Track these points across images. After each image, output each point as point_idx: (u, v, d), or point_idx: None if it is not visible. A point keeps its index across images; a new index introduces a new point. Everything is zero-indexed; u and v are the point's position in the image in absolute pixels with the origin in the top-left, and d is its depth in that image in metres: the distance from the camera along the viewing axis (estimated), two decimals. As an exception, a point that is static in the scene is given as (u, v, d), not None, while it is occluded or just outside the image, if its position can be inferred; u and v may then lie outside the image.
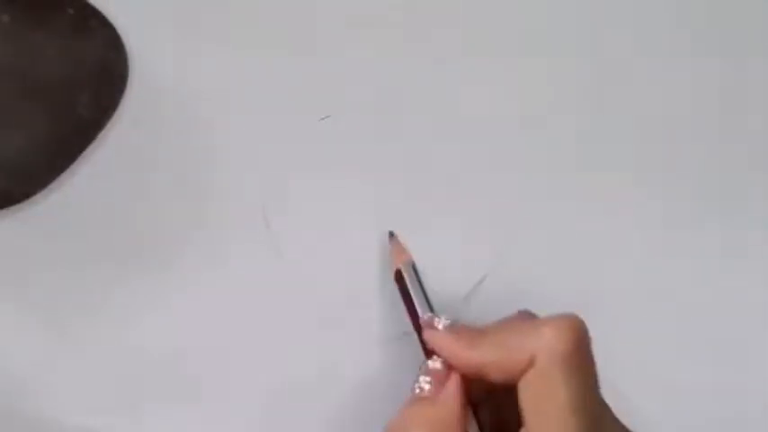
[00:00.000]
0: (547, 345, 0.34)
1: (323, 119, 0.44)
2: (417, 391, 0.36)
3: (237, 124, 0.44)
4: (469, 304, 0.44)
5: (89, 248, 0.43)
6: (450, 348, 0.36)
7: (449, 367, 0.36)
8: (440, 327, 0.37)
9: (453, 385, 0.36)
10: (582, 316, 0.43)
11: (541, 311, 0.43)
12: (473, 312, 0.44)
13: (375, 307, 0.44)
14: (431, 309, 0.38)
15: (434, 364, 0.37)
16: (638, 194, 0.45)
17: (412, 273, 0.40)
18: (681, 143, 0.46)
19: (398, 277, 0.40)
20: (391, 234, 0.42)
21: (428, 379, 0.36)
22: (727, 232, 0.45)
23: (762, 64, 0.46)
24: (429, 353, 0.37)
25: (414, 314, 0.38)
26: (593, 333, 0.43)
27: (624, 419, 0.38)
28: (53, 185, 0.43)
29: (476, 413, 0.37)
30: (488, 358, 0.35)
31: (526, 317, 0.37)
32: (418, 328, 0.38)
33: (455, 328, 0.37)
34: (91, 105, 0.42)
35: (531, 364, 0.34)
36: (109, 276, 0.43)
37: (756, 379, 0.45)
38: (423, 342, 0.38)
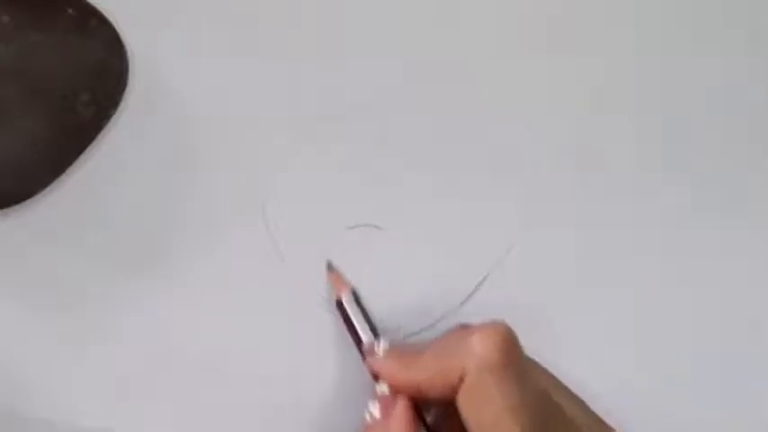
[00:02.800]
0: (474, 355, 0.34)
1: (323, 119, 0.44)
2: (368, 418, 0.37)
3: (237, 124, 0.44)
4: (468, 307, 0.44)
5: (89, 248, 0.43)
6: (387, 371, 0.37)
7: (394, 390, 0.37)
8: (379, 351, 0.38)
9: (400, 409, 0.36)
10: (580, 319, 0.43)
11: (539, 315, 0.44)
12: (471, 317, 0.44)
13: (375, 307, 0.44)
14: (375, 334, 0.39)
15: (381, 388, 0.37)
16: (639, 194, 0.45)
17: (353, 302, 0.40)
18: (681, 143, 0.46)
19: (340, 306, 0.40)
20: (329, 265, 0.43)
21: (377, 405, 0.37)
22: (728, 232, 0.45)
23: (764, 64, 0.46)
24: (375, 378, 0.37)
25: (358, 342, 0.39)
26: (589, 334, 0.43)
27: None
28: (53, 185, 0.43)
29: (429, 429, 0.37)
30: (422, 377, 0.35)
31: (458, 330, 0.37)
32: (360, 352, 0.39)
33: (393, 350, 0.38)
34: (91, 105, 0.42)
35: (462, 376, 0.34)
36: (109, 276, 0.43)
37: (758, 378, 0.45)
38: (369, 368, 0.38)
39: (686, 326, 0.44)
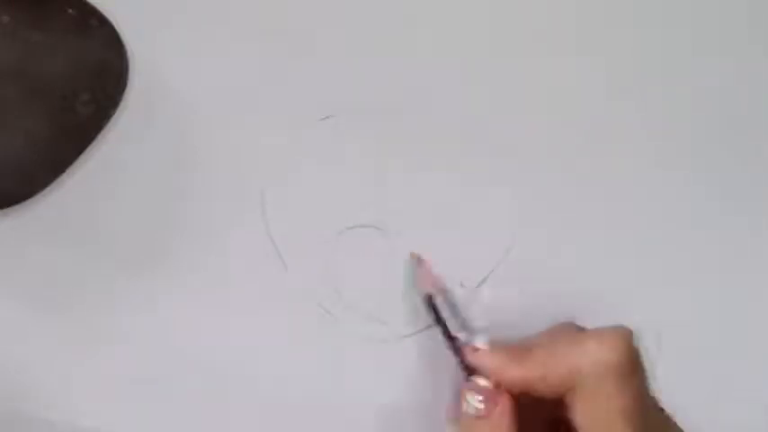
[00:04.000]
0: (592, 358, 0.34)
1: (323, 119, 0.44)
2: (471, 410, 0.36)
3: (237, 124, 0.44)
4: (473, 303, 0.44)
5: (89, 248, 0.43)
6: (497, 367, 0.37)
7: (496, 385, 0.37)
8: (481, 346, 0.38)
9: (506, 403, 0.36)
10: (587, 313, 0.43)
11: (545, 309, 0.44)
12: (477, 311, 0.44)
13: (375, 307, 0.44)
14: (467, 329, 0.39)
15: (482, 382, 0.37)
16: (640, 193, 0.45)
17: (445, 297, 0.40)
18: (681, 143, 0.46)
19: (429, 301, 0.40)
20: (419, 259, 0.42)
21: (480, 398, 0.36)
22: (728, 232, 0.45)
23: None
24: (470, 371, 0.37)
25: (449, 336, 0.38)
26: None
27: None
28: (53, 185, 0.43)
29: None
30: (535, 374, 0.36)
31: (570, 329, 0.37)
32: (455, 348, 0.38)
33: (498, 346, 0.37)
34: (91, 105, 0.42)
35: (577, 378, 0.34)
36: (109, 276, 0.43)
37: (760, 379, 0.45)
38: (462, 361, 0.38)
39: (686, 326, 0.44)
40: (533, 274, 0.44)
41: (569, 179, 0.45)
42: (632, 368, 0.35)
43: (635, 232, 0.45)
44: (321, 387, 0.43)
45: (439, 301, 0.40)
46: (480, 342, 0.37)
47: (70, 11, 0.42)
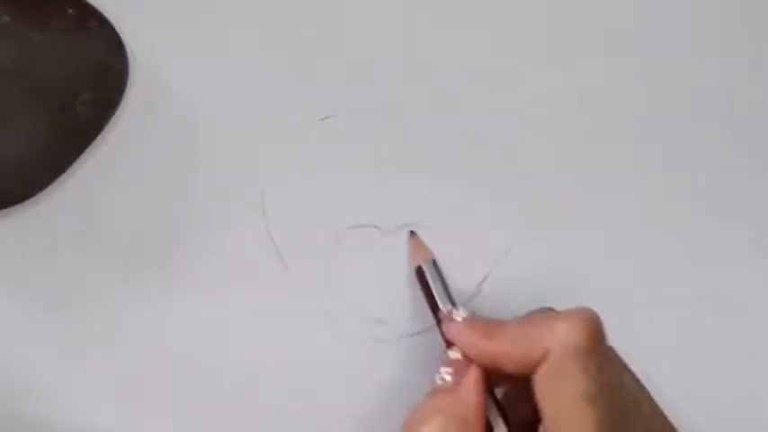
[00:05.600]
0: (560, 338, 0.34)
1: (323, 119, 0.44)
2: (439, 381, 0.37)
3: (237, 124, 0.44)
4: (473, 303, 0.44)
5: (89, 249, 0.43)
6: (467, 339, 0.37)
7: (467, 358, 0.37)
8: (458, 319, 0.38)
9: (473, 375, 0.36)
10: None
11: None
12: (477, 310, 0.44)
13: (375, 307, 0.44)
14: (452, 302, 0.39)
15: (454, 354, 0.37)
16: (640, 193, 0.45)
17: (433, 270, 0.40)
18: (682, 143, 0.46)
19: (419, 274, 0.40)
20: (412, 233, 0.43)
21: (449, 370, 0.37)
22: (728, 232, 0.45)
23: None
24: (449, 344, 0.38)
25: (435, 308, 0.39)
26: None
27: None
28: (53, 185, 0.43)
29: (498, 403, 0.37)
30: (502, 349, 0.36)
31: (544, 312, 0.38)
32: (438, 321, 0.39)
33: (473, 319, 0.38)
34: (91, 105, 0.42)
35: (544, 356, 0.34)
36: (109, 276, 0.43)
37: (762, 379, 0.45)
38: (443, 334, 0.38)
39: (686, 325, 0.44)
40: (533, 274, 0.44)
41: (570, 179, 0.45)
42: (594, 349, 0.34)
43: (635, 232, 0.45)
44: (321, 387, 0.43)
45: (429, 274, 0.40)
46: (459, 315, 0.38)
47: (70, 11, 0.43)
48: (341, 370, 0.43)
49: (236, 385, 0.43)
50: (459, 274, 0.44)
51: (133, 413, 0.43)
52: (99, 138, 0.43)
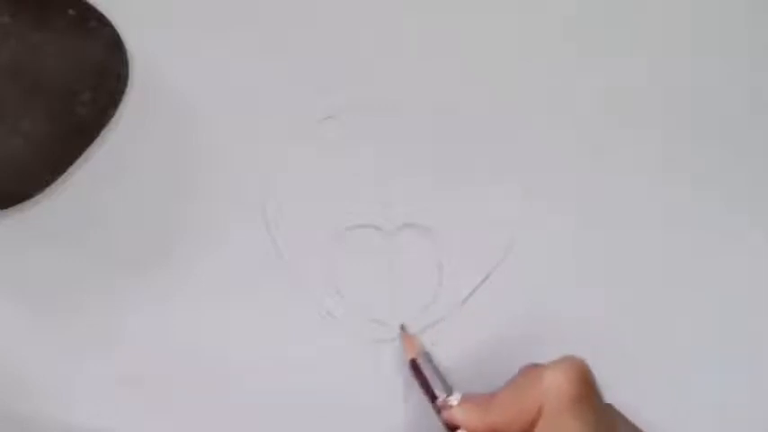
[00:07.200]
0: (550, 391, 0.36)
1: (324, 119, 0.44)
2: None
3: (237, 124, 0.44)
4: (469, 307, 0.44)
5: (89, 249, 0.43)
6: (466, 420, 0.38)
7: None
8: (455, 403, 0.39)
9: None
10: (580, 319, 0.43)
11: (539, 315, 0.44)
12: (471, 316, 0.44)
13: (375, 307, 0.44)
14: (447, 389, 0.40)
15: None
16: (640, 194, 0.45)
17: (426, 361, 0.41)
18: (682, 143, 0.46)
19: (414, 366, 0.41)
20: (403, 327, 0.43)
21: None
22: (728, 232, 0.45)
23: None
24: (451, 428, 0.39)
25: (432, 397, 0.40)
26: (589, 333, 0.43)
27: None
28: (53, 186, 0.43)
29: None
30: (500, 418, 0.37)
31: (529, 368, 0.38)
32: (435, 408, 0.40)
33: (466, 398, 0.39)
34: (91, 105, 0.42)
35: (539, 413, 0.36)
36: (109, 276, 0.43)
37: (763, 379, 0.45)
38: (444, 421, 0.39)
39: (686, 325, 0.44)
40: (533, 273, 0.44)
41: (570, 179, 0.45)
42: (586, 396, 0.36)
43: (636, 232, 0.45)
44: (321, 387, 0.43)
45: (424, 366, 0.41)
46: (455, 400, 0.39)
47: (71, 11, 0.43)
48: (341, 370, 0.43)
49: (236, 385, 0.43)
50: (459, 274, 0.44)
51: (133, 413, 0.43)
52: (99, 138, 0.43)
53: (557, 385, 0.36)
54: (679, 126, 0.45)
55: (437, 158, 0.45)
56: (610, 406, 0.39)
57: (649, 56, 0.46)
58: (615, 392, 0.39)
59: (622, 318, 0.44)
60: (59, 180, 0.43)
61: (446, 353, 0.43)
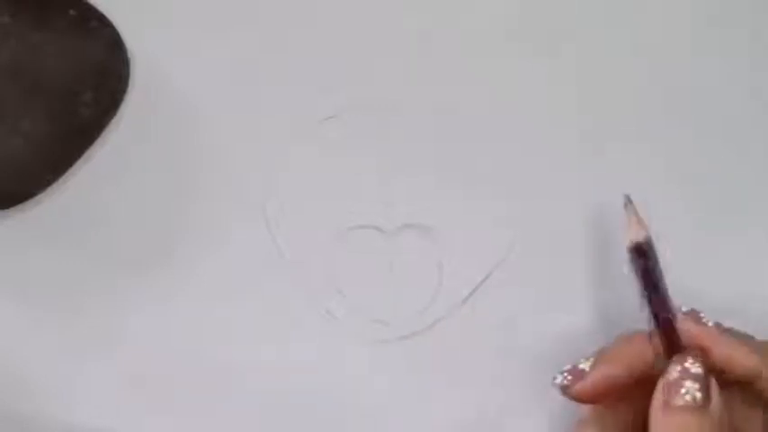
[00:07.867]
0: None
1: (325, 119, 0.45)
2: (688, 398, 0.32)
3: (238, 124, 0.44)
4: (469, 307, 0.44)
5: (90, 249, 0.43)
6: (731, 352, 0.33)
7: (707, 372, 0.33)
8: (707, 320, 0.34)
9: (717, 393, 0.33)
10: (580, 318, 0.43)
11: (543, 312, 0.44)
12: (471, 317, 0.44)
13: (375, 307, 0.44)
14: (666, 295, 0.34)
15: (696, 368, 0.33)
16: (641, 193, 0.45)
17: (653, 250, 0.34)
18: (682, 143, 0.46)
19: (639, 253, 0.34)
20: (628, 200, 0.36)
21: (697, 386, 0.32)
22: (729, 232, 0.45)
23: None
24: (676, 348, 0.33)
25: (657, 299, 0.33)
26: (589, 333, 0.44)
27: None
28: (53, 186, 0.43)
29: None
30: (747, 352, 0.33)
31: None
32: (664, 319, 0.33)
33: (722, 328, 0.34)
34: (91, 105, 0.42)
35: None
36: (109, 276, 0.43)
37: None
38: (668, 334, 0.33)
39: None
40: (534, 273, 0.44)
41: (570, 179, 0.45)
42: None
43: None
44: (322, 387, 0.43)
45: (652, 256, 0.33)
46: (703, 317, 0.33)
47: (71, 11, 0.42)
48: (341, 370, 0.43)
49: (237, 385, 0.43)
50: (459, 274, 0.44)
51: (133, 413, 0.43)
52: (100, 138, 0.43)
53: None
54: (679, 126, 0.46)
55: (438, 158, 0.45)
56: None
57: (649, 56, 0.46)
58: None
59: (623, 316, 0.44)
60: (60, 180, 0.43)
61: (446, 353, 0.43)
